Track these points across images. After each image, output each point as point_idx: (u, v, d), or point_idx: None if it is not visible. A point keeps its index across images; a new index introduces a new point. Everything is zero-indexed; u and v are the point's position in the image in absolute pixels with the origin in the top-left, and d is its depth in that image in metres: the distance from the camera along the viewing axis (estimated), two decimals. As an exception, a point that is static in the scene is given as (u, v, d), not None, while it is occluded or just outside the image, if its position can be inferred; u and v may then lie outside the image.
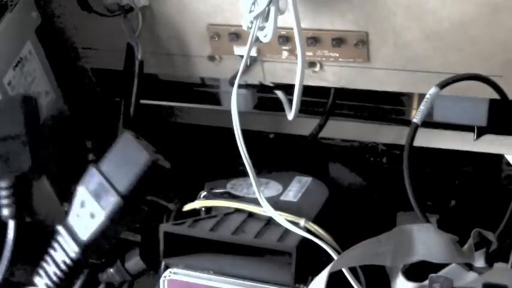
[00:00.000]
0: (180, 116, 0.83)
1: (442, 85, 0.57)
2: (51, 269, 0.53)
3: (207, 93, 0.83)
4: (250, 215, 0.66)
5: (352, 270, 0.61)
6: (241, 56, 0.63)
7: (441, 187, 0.78)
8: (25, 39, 0.68)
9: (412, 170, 0.58)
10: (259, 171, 0.66)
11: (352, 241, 0.59)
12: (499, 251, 0.60)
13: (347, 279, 0.61)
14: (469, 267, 0.58)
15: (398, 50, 0.61)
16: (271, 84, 0.72)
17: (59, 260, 0.51)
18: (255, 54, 0.66)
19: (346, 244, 0.61)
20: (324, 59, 0.64)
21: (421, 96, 0.61)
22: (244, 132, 0.63)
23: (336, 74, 0.66)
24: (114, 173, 0.36)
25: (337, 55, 0.64)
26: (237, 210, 0.66)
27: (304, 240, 0.63)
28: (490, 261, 0.59)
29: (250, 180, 0.64)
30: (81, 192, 0.38)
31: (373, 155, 0.81)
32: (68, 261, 0.51)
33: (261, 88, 0.74)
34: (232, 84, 0.64)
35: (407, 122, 0.66)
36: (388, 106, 0.78)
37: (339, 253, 0.63)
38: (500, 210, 0.62)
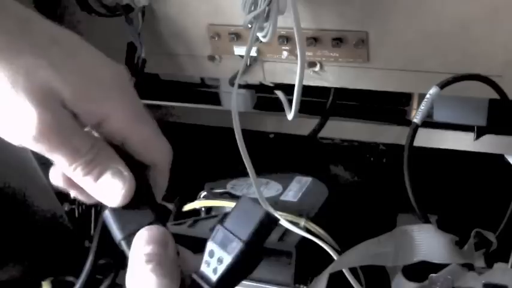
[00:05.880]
0: (180, 116, 0.83)
1: (442, 85, 0.57)
2: None
3: (207, 93, 0.84)
4: (250, 215, 0.66)
5: (352, 270, 0.61)
6: (241, 56, 0.63)
7: (441, 187, 0.78)
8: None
9: (412, 170, 0.58)
10: (259, 171, 0.66)
11: (352, 241, 0.59)
12: (499, 251, 0.60)
13: (347, 279, 0.61)
14: (469, 267, 0.58)
15: (398, 50, 0.61)
16: (271, 84, 0.72)
17: None
18: (255, 54, 0.66)
19: (346, 244, 0.61)
20: (324, 59, 0.64)
21: (421, 96, 0.60)
22: (244, 132, 0.63)
23: (336, 74, 0.66)
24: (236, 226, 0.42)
25: (337, 55, 0.64)
26: (237, 210, 0.66)
27: (304, 240, 0.63)
28: (490, 261, 0.59)
29: (250, 180, 0.64)
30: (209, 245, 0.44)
31: (373, 155, 0.81)
32: None
33: (261, 88, 0.74)
34: (232, 84, 0.64)
35: (408, 122, 0.66)
36: (388, 106, 0.78)
37: (339, 253, 0.63)
38: (500, 210, 0.62)
